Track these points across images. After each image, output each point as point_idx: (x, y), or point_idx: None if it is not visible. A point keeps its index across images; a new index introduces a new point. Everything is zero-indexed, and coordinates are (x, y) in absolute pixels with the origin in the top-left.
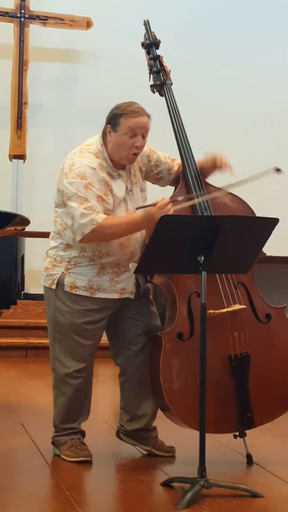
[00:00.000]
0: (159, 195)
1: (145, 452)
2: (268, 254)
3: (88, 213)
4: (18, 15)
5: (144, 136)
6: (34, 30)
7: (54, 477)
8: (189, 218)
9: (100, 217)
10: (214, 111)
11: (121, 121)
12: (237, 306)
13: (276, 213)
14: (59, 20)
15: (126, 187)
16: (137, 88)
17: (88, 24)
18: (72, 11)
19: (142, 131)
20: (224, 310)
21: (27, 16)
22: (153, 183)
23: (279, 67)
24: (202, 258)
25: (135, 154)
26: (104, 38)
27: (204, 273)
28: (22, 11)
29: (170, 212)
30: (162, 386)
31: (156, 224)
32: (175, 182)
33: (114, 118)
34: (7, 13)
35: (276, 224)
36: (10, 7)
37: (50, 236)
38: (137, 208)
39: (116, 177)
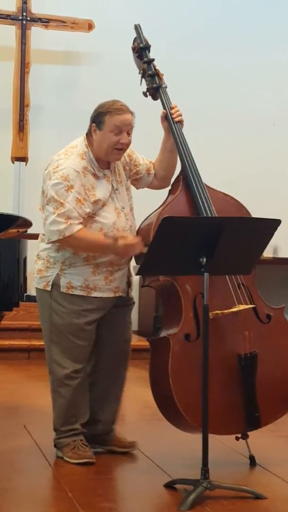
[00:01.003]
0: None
1: (103, 450)
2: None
3: (59, 221)
4: (20, 17)
5: (129, 133)
6: (36, 32)
7: (57, 479)
8: (191, 220)
9: (69, 231)
10: (216, 113)
11: (106, 119)
12: (244, 306)
13: (276, 214)
14: (61, 23)
15: (112, 186)
16: (138, 90)
17: (90, 26)
18: (73, 14)
19: (127, 128)
20: (234, 309)
21: (29, 18)
22: (132, 184)
23: (281, 68)
24: (204, 259)
25: (121, 150)
26: (106, 40)
27: (206, 274)
28: (24, 13)
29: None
30: (172, 388)
31: (158, 225)
32: (154, 186)
33: (98, 117)
34: (9, 15)
35: (278, 225)
36: (12, 10)
37: (39, 239)
38: (105, 237)
39: (101, 177)
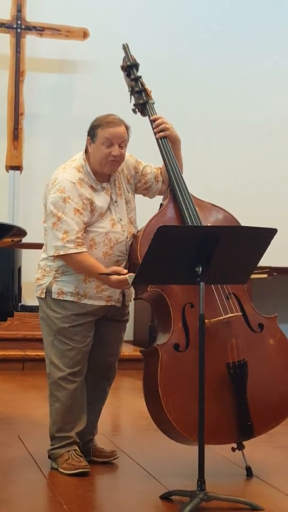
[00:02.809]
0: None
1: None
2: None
3: (57, 236)
4: (15, 26)
5: (121, 146)
6: (31, 40)
7: (52, 490)
8: (186, 228)
9: (64, 251)
10: (212, 122)
11: (98, 132)
12: (231, 314)
13: (272, 223)
14: (56, 31)
15: (111, 198)
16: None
17: (85, 34)
18: (68, 22)
19: (118, 141)
20: (221, 318)
21: (23, 27)
22: (143, 195)
23: (276, 77)
24: (200, 268)
25: (113, 161)
26: (100, 48)
27: (202, 284)
28: (19, 22)
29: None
30: (161, 398)
31: (154, 234)
32: (163, 191)
33: (92, 130)
34: (4, 24)
35: (275, 234)
36: (6, 18)
37: (42, 249)
38: (100, 274)
39: (99, 190)
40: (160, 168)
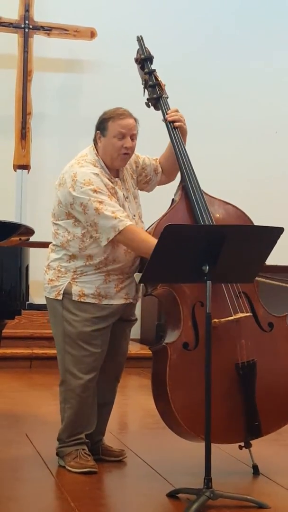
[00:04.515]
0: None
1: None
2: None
3: (108, 216)
4: (22, 25)
5: (132, 139)
6: (38, 40)
7: (59, 488)
8: (193, 227)
9: (122, 225)
10: (218, 122)
11: (109, 125)
12: (241, 314)
13: (280, 222)
14: (63, 31)
15: (123, 194)
16: (140, 98)
17: (92, 34)
18: (76, 22)
19: (130, 133)
20: (230, 318)
21: (31, 26)
22: (141, 189)
23: (283, 76)
24: (207, 267)
25: (126, 154)
26: (108, 48)
27: (209, 282)
28: (26, 21)
29: None
30: (170, 397)
31: (161, 232)
32: (163, 182)
33: (102, 123)
34: (12, 23)
35: (281, 233)
36: (14, 18)
37: (49, 249)
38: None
39: (114, 183)
40: (159, 160)
